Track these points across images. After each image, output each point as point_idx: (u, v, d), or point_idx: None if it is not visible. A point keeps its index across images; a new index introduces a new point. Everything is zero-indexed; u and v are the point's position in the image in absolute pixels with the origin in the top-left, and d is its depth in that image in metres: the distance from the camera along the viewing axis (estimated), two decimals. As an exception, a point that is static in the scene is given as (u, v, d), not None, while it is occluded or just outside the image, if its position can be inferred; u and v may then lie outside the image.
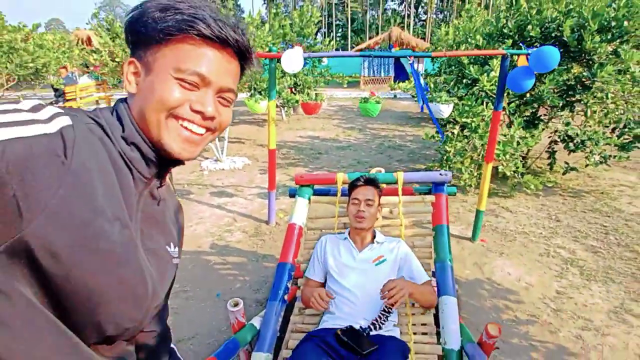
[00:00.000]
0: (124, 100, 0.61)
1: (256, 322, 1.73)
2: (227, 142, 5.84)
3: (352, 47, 20.87)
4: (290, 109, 8.32)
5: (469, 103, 3.58)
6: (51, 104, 0.54)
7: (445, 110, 3.02)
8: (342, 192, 2.11)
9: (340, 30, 46.92)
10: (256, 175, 5.31)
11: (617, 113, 3.81)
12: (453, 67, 4.58)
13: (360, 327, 1.56)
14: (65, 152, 0.46)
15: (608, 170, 5.09)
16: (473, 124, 3.55)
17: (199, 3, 0.57)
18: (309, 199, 2.14)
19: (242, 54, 0.62)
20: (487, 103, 3.59)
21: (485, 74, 3.55)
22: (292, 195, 2.22)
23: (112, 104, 0.63)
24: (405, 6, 45.55)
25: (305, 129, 8.57)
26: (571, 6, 3.86)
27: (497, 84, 3.02)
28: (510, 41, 3.90)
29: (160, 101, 0.56)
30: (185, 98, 0.58)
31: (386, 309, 1.63)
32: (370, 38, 34.49)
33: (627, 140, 3.75)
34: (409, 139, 7.32)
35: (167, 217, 0.71)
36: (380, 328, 1.58)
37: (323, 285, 1.83)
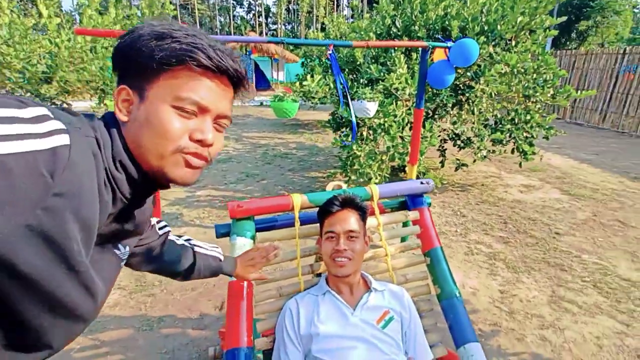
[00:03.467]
0: (112, 113, 0.57)
1: None
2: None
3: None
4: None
5: (381, 101, 3.35)
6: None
7: (371, 108, 2.69)
8: (301, 219, 1.48)
9: (187, 35, 44.11)
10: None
11: (491, 111, 4.16)
12: (345, 68, 4.36)
13: None
14: (52, 174, 0.43)
15: (474, 164, 5.70)
16: (386, 124, 3.33)
17: (195, 31, 0.56)
18: (253, 238, 1.43)
19: (238, 82, 0.62)
20: (396, 102, 3.43)
21: (392, 72, 3.37)
22: (224, 234, 1.46)
23: None
24: (255, 15, 45.87)
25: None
26: (448, 9, 4.06)
27: (415, 80, 2.83)
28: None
29: (162, 132, 0.55)
30: (185, 127, 0.56)
31: None
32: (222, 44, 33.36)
33: (501, 137, 4.12)
34: (292, 147, 6.92)
35: (134, 222, 0.66)
36: None
37: None
